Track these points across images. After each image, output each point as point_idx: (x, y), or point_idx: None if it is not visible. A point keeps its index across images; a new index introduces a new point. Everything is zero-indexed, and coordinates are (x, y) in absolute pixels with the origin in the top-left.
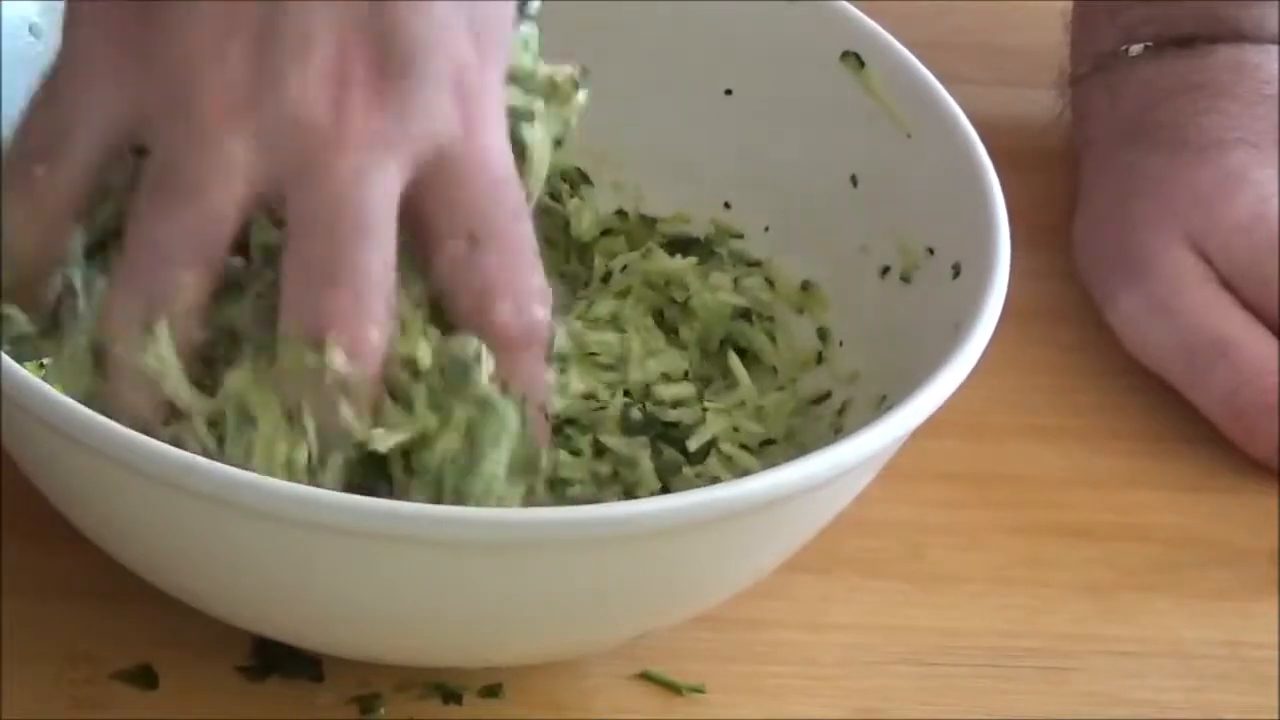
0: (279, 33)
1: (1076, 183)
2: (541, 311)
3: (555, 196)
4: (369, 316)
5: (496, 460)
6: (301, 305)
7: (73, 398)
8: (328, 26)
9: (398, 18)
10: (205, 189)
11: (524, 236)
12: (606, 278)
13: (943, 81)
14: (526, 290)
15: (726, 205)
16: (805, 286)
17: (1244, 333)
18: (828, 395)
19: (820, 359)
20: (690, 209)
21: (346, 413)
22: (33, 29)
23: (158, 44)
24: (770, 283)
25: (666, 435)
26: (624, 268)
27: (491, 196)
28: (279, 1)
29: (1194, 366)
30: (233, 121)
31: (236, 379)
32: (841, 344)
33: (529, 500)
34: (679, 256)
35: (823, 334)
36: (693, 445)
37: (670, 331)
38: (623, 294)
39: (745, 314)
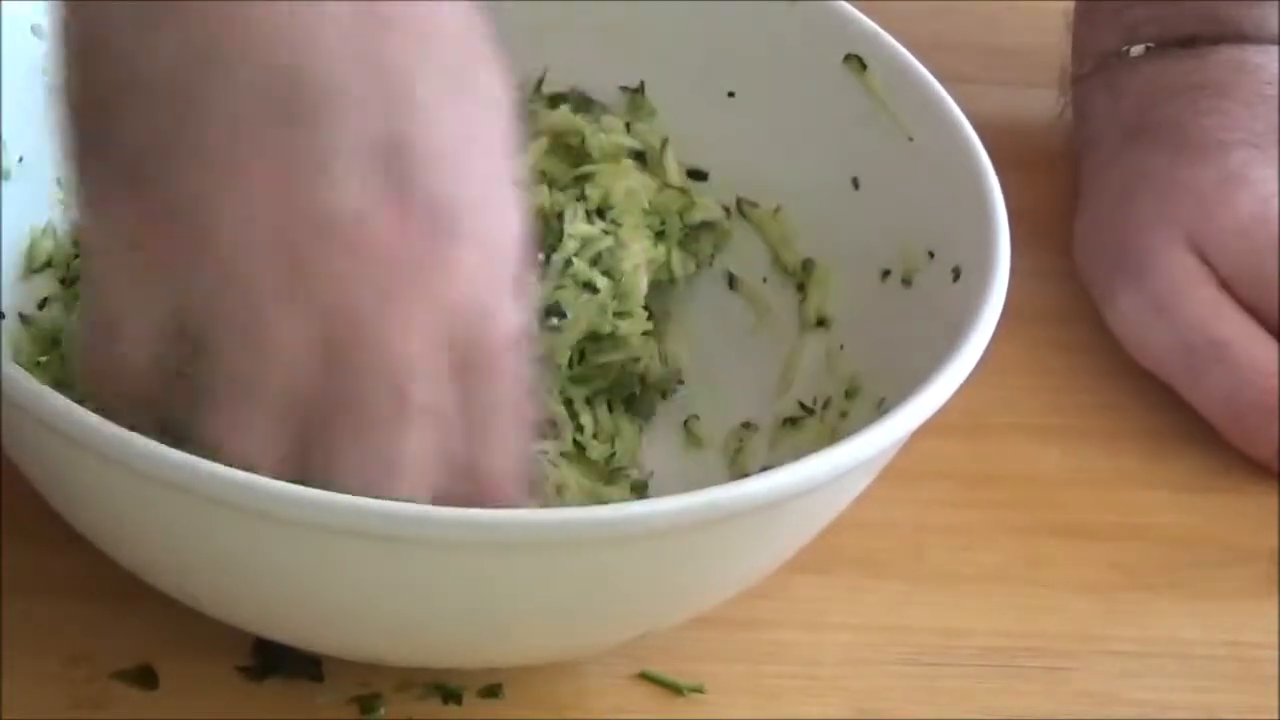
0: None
1: (1076, 183)
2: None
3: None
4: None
5: None
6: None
7: None
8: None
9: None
10: (264, 379)
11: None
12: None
13: (943, 81)
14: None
15: (726, 210)
16: (806, 265)
17: (1243, 334)
18: (828, 398)
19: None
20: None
21: None
22: (34, 29)
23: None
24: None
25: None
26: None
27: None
28: (306, 224)
29: (1192, 367)
30: (284, 300)
31: None
32: (842, 347)
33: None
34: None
35: (823, 322)
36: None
37: None
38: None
39: None
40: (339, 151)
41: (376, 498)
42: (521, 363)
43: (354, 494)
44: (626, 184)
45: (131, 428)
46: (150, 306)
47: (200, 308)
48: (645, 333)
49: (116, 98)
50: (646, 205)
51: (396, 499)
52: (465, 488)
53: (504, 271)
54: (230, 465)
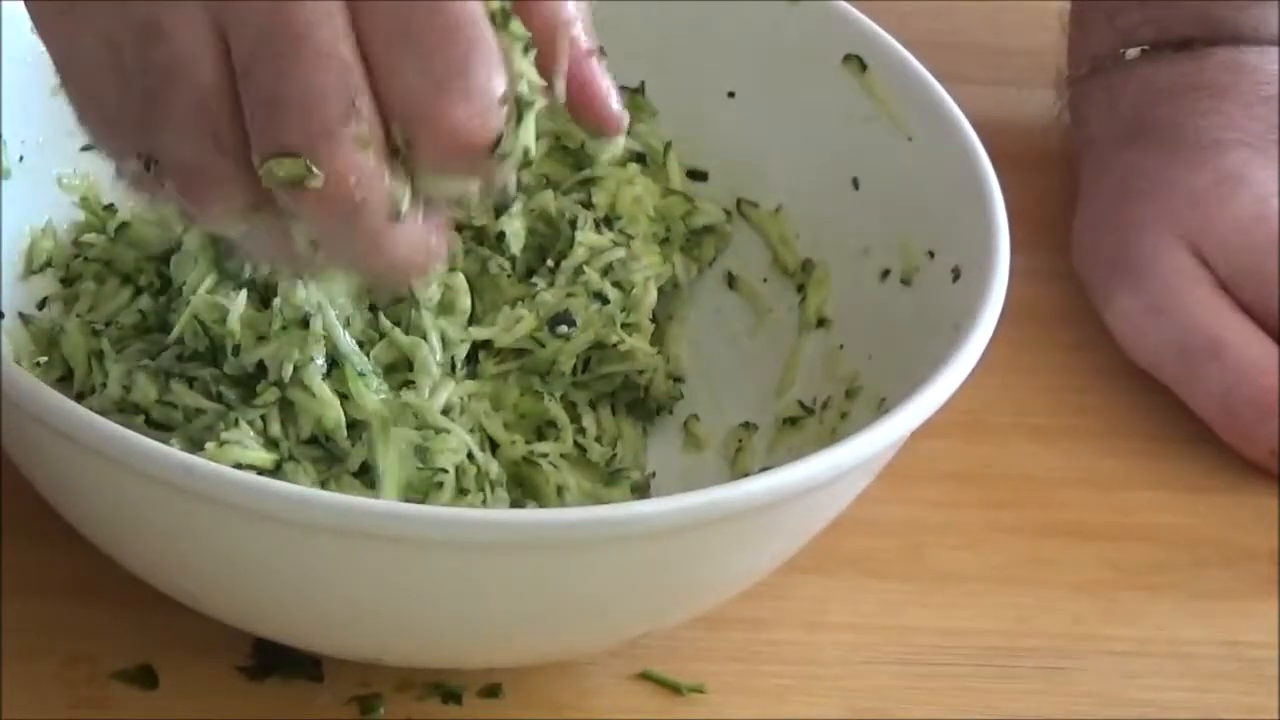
0: None
1: (1076, 183)
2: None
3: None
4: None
5: None
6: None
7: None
8: None
9: None
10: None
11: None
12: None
13: (942, 81)
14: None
15: (726, 211)
16: (806, 265)
17: (1239, 334)
18: (828, 398)
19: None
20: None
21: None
22: (34, 29)
23: None
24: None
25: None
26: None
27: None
28: None
29: (1190, 367)
30: None
31: None
32: (842, 347)
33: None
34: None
35: (823, 323)
36: None
37: None
38: None
39: None
40: None
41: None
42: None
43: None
44: (633, 191)
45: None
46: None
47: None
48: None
49: None
50: (650, 212)
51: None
52: (411, 129)
53: None
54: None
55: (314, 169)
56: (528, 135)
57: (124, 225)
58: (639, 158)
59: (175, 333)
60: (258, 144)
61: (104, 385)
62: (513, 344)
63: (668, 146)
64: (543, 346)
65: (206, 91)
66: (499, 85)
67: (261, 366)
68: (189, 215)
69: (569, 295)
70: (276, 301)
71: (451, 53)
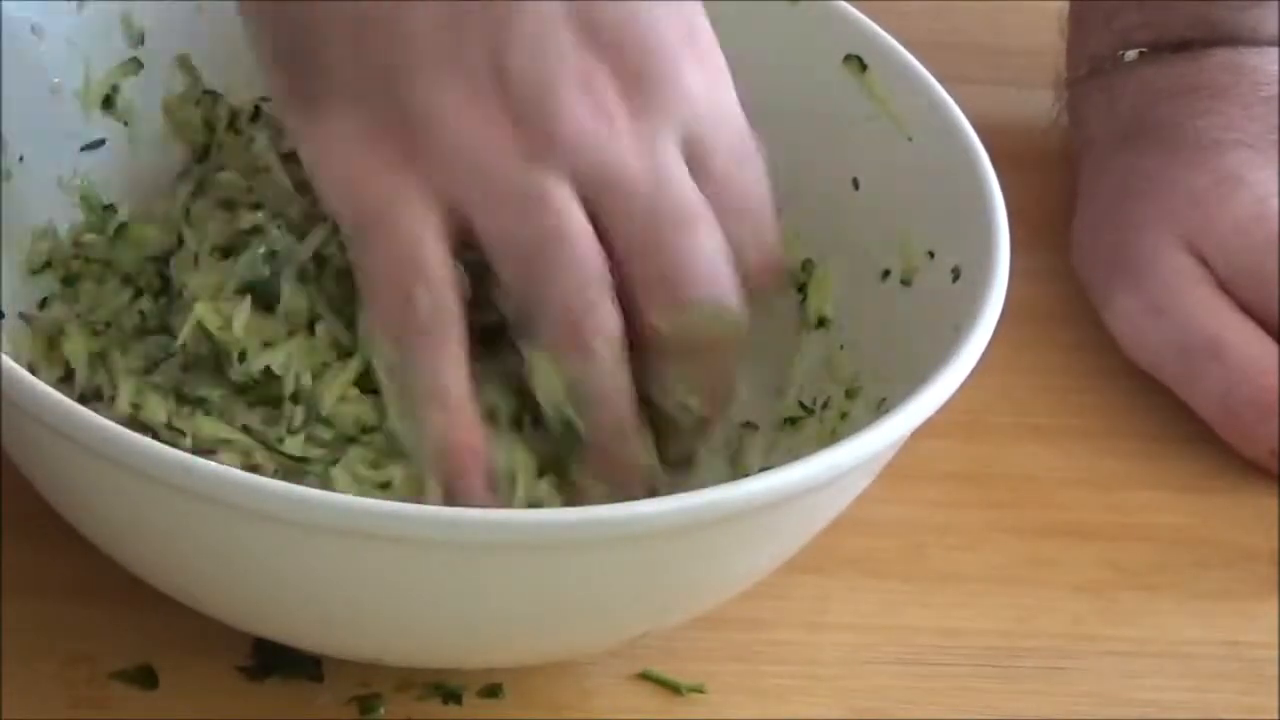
0: (520, 82)
1: (1076, 183)
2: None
3: None
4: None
5: None
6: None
7: None
8: (559, 54)
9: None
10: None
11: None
12: None
13: (942, 82)
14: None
15: None
16: (806, 266)
17: (1238, 334)
18: (828, 398)
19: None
20: None
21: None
22: (34, 29)
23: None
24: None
25: None
26: None
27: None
28: (503, 54)
29: (1190, 367)
30: (538, 169)
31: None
32: (842, 347)
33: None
34: None
35: (823, 323)
36: None
37: None
38: None
39: None
40: (542, 20)
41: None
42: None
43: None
44: None
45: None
46: (409, 192)
47: (455, 184)
48: None
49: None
50: None
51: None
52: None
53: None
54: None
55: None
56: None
57: (124, 226)
58: None
59: (181, 338)
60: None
61: (112, 397)
62: None
63: None
64: None
65: (589, 253)
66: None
67: (268, 372)
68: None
69: None
70: (280, 307)
71: (763, 223)
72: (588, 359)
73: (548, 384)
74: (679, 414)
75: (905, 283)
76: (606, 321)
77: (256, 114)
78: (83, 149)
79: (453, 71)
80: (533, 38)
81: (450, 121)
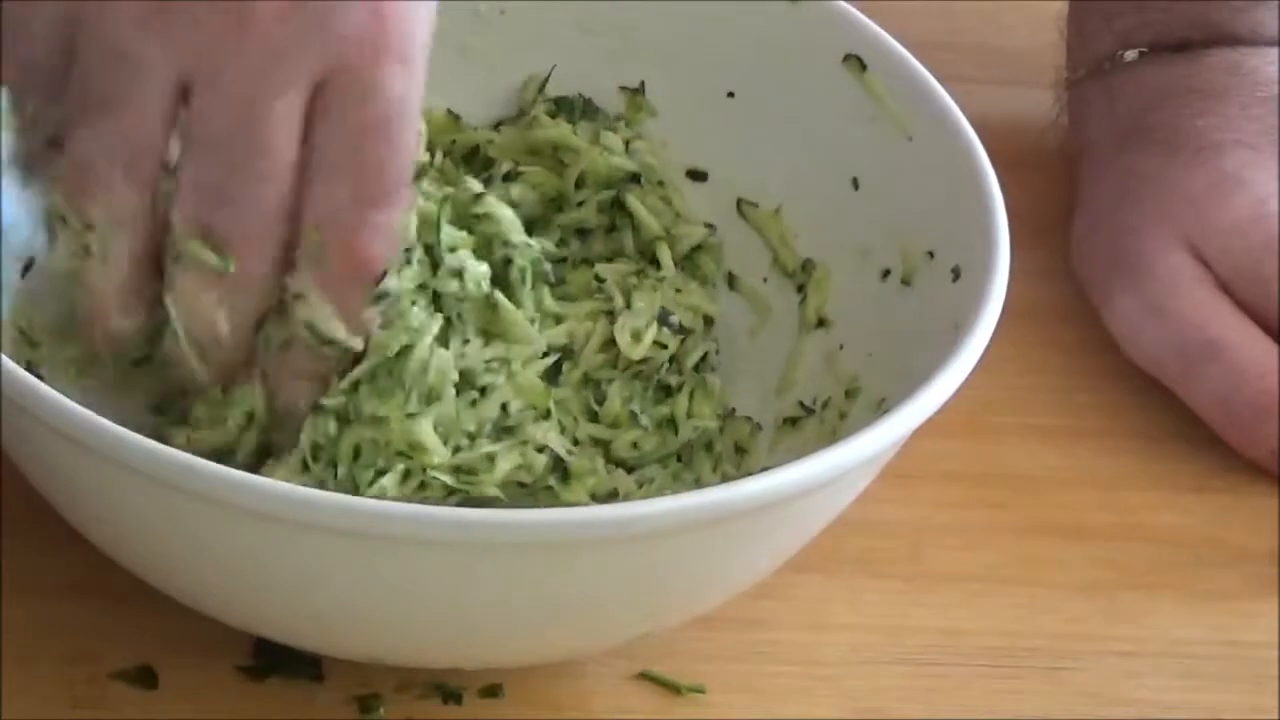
0: None
1: (1075, 184)
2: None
3: None
4: (254, 251)
5: None
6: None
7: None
8: None
9: None
10: (125, 100)
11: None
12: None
13: (942, 82)
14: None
15: (709, 225)
16: (806, 265)
17: (1238, 335)
18: (828, 398)
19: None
20: (691, 210)
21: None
22: None
23: None
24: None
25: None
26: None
27: (369, 133)
28: None
29: (1189, 368)
30: (145, 28)
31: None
32: (842, 347)
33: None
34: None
35: (823, 323)
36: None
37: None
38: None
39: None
40: None
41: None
42: (404, 124)
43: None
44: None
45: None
46: (47, 7)
47: (74, 20)
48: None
49: None
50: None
51: (237, 246)
52: (326, 237)
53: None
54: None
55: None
56: (401, 281)
57: None
58: (634, 177)
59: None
60: (182, 209)
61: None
62: (643, 352)
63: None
64: (664, 347)
65: (145, 128)
66: (405, 230)
67: None
68: (56, 205)
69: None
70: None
71: (380, 191)
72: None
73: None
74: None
75: (905, 283)
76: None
77: None
78: None
79: None
80: None
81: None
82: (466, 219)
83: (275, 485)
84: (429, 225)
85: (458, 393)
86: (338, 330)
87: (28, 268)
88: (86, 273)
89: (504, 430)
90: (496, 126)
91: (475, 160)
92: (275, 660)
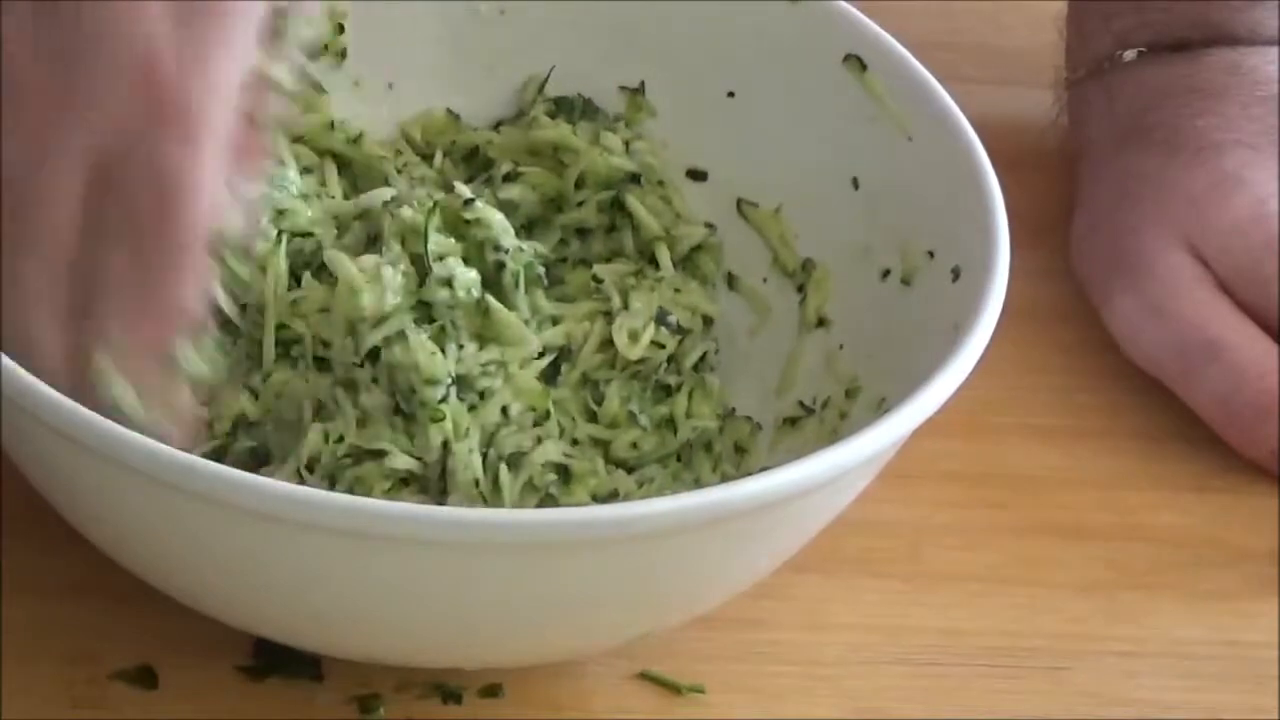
0: None
1: (1075, 184)
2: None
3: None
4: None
5: None
6: None
7: None
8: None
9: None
10: None
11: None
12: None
13: (942, 82)
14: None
15: (709, 224)
16: (806, 265)
17: (1238, 335)
18: (828, 398)
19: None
20: (691, 210)
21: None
22: None
23: None
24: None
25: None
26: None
27: (144, 211)
28: None
29: (1189, 368)
30: None
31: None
32: (842, 347)
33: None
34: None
35: (823, 323)
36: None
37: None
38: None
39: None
40: None
41: None
42: (183, 198)
43: None
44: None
45: None
46: None
47: None
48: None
49: None
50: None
51: (16, 327)
52: (110, 315)
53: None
54: None
55: None
56: (201, 363)
57: None
58: (634, 177)
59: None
60: None
61: None
62: (641, 352)
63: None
64: (662, 347)
65: None
66: (190, 302)
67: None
68: None
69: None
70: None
71: (159, 265)
72: None
73: None
74: None
75: (905, 283)
76: None
77: None
78: None
79: None
80: None
81: None
82: (457, 225)
83: (275, 485)
84: (416, 234)
85: (457, 398)
86: (140, 412)
87: None
88: None
89: (510, 463)
90: (496, 126)
91: (475, 160)
92: (275, 660)
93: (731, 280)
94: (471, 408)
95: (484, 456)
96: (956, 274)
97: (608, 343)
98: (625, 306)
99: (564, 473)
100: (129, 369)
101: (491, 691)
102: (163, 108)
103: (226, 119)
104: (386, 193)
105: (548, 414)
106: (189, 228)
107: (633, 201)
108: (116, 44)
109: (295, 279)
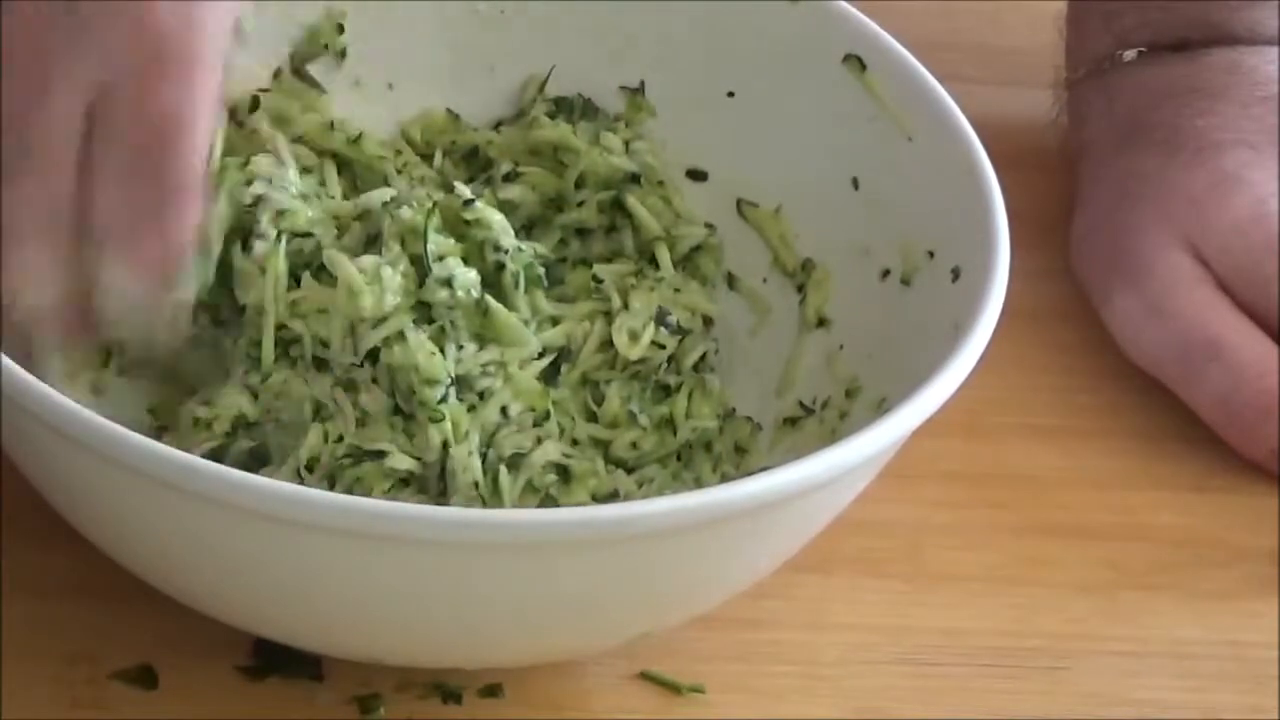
0: None
1: (1075, 184)
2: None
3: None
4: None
5: None
6: None
7: None
8: None
9: None
10: None
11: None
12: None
13: (942, 82)
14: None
15: (709, 225)
16: (806, 265)
17: (1238, 334)
18: (828, 398)
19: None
20: (691, 210)
21: None
22: None
23: None
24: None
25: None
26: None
27: (139, 148)
28: None
29: (1189, 368)
30: None
31: None
32: (842, 347)
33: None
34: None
35: (823, 323)
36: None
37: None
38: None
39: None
40: None
41: None
42: (178, 136)
43: None
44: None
45: None
46: None
47: None
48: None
49: None
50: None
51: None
52: (110, 246)
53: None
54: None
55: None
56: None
57: None
58: (634, 178)
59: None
60: None
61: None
62: (640, 352)
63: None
64: (662, 347)
65: None
66: (187, 235)
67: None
68: None
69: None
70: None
71: (157, 200)
72: None
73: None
74: None
75: (905, 283)
76: None
77: (255, 105)
78: None
79: None
80: None
81: None
82: (457, 225)
83: (275, 485)
84: (415, 235)
85: (456, 398)
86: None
87: None
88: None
89: (510, 464)
90: (496, 127)
91: (475, 160)
92: (275, 660)
93: (731, 280)
94: (471, 408)
95: (484, 457)
96: (956, 274)
97: (608, 343)
98: (625, 306)
99: (564, 473)
100: (124, 289)
101: (491, 691)
102: (160, 49)
103: (219, 61)
104: (386, 193)
105: (547, 414)
106: (186, 164)
107: (633, 202)
108: None
109: (295, 279)
